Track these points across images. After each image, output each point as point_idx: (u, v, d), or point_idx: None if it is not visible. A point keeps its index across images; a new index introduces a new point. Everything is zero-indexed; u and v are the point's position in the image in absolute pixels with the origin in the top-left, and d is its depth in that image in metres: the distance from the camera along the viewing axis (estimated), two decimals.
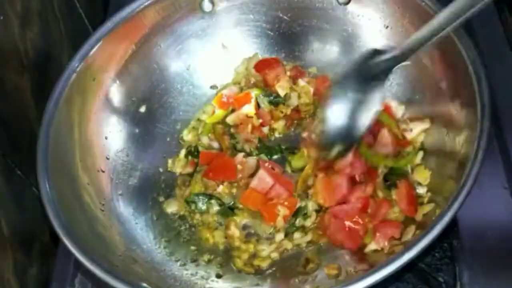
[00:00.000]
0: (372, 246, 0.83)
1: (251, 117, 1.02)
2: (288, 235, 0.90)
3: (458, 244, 0.84)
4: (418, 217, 0.82)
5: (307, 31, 1.05)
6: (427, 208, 0.82)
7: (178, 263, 0.89)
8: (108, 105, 0.97)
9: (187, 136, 1.04)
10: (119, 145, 0.98)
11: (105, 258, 0.78)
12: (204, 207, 0.94)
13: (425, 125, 0.92)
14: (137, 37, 0.98)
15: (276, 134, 1.02)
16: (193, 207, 0.94)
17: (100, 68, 0.94)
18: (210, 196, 0.95)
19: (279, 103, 1.03)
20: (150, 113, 1.02)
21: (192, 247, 0.91)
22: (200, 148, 1.01)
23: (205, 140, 1.02)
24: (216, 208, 0.94)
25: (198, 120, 1.05)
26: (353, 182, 0.89)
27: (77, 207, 0.84)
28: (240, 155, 0.97)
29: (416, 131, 0.93)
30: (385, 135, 0.92)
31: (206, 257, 0.90)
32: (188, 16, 1.02)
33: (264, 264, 0.87)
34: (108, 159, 0.95)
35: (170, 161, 1.01)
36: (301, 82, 1.03)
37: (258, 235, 0.92)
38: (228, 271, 0.88)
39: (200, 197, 0.95)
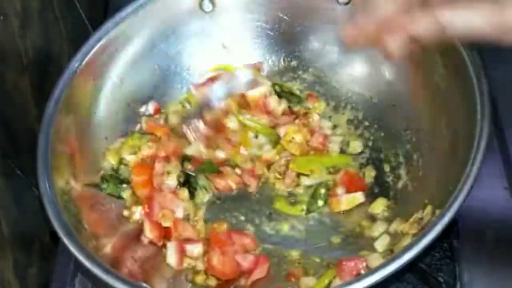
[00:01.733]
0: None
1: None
2: None
3: (458, 244, 0.84)
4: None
5: (307, 31, 1.05)
6: (427, 209, 0.82)
7: None
8: (108, 105, 0.97)
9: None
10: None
11: (105, 258, 0.78)
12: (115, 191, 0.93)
13: None
14: (137, 37, 0.98)
15: None
16: (104, 186, 0.92)
17: (100, 68, 0.94)
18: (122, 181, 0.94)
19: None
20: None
21: None
22: None
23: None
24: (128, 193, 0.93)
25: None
26: None
27: (77, 207, 0.84)
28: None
29: None
30: None
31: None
32: (188, 16, 1.02)
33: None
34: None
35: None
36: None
37: None
38: None
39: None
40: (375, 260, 0.80)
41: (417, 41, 0.61)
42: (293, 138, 0.97)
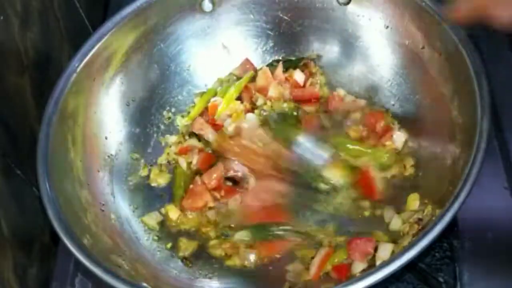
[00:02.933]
0: (358, 267, 0.82)
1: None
2: None
3: (458, 244, 0.84)
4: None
5: (307, 31, 1.05)
6: (427, 209, 0.82)
7: (179, 263, 0.89)
8: (108, 105, 0.97)
9: (181, 121, 1.04)
10: (119, 145, 0.98)
11: (105, 258, 0.78)
12: None
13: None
14: (137, 37, 0.98)
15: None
16: None
17: (100, 68, 0.94)
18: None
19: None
20: (150, 113, 1.03)
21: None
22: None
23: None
24: None
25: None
26: None
27: (77, 207, 0.84)
28: None
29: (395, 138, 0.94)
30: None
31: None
32: (188, 16, 1.02)
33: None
34: (108, 159, 0.95)
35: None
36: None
37: None
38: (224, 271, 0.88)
39: None
40: (385, 250, 0.81)
41: None
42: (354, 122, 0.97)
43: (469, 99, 0.79)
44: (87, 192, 0.88)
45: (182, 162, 0.99)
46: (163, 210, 0.95)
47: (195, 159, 0.99)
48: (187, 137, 1.02)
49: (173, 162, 1.01)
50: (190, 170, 0.99)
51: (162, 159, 1.01)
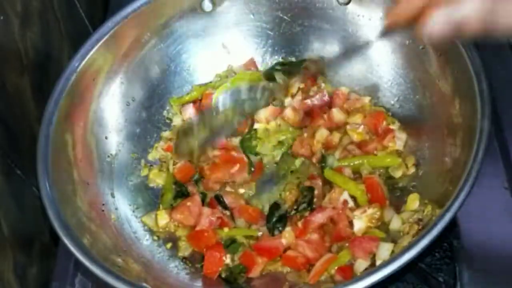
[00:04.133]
0: (361, 266, 0.82)
1: None
2: None
3: (458, 244, 0.84)
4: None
5: (307, 31, 1.05)
6: (427, 209, 0.82)
7: (179, 263, 0.89)
8: (108, 105, 0.97)
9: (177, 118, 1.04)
10: (119, 145, 0.98)
11: (105, 258, 0.78)
12: None
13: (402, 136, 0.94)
14: (137, 37, 0.98)
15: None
16: None
17: (100, 68, 0.94)
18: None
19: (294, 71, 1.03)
20: (150, 113, 1.03)
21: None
22: None
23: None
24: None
25: None
26: None
27: (77, 207, 0.84)
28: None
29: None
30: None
31: None
32: (188, 16, 1.02)
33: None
34: (108, 159, 0.95)
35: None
36: None
37: None
38: None
39: None
40: (385, 250, 0.81)
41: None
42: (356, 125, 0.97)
43: (469, 99, 0.79)
44: (87, 192, 0.88)
45: (170, 164, 0.99)
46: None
47: (171, 165, 0.99)
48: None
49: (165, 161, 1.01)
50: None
51: (152, 155, 1.01)
